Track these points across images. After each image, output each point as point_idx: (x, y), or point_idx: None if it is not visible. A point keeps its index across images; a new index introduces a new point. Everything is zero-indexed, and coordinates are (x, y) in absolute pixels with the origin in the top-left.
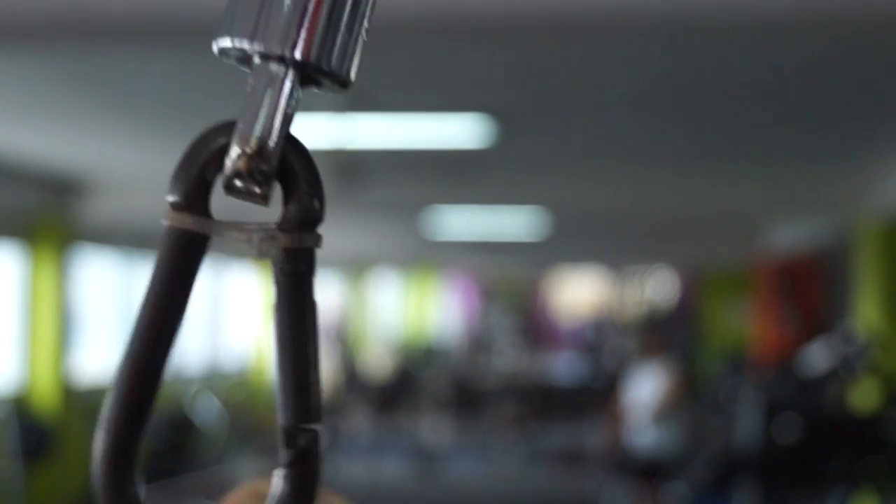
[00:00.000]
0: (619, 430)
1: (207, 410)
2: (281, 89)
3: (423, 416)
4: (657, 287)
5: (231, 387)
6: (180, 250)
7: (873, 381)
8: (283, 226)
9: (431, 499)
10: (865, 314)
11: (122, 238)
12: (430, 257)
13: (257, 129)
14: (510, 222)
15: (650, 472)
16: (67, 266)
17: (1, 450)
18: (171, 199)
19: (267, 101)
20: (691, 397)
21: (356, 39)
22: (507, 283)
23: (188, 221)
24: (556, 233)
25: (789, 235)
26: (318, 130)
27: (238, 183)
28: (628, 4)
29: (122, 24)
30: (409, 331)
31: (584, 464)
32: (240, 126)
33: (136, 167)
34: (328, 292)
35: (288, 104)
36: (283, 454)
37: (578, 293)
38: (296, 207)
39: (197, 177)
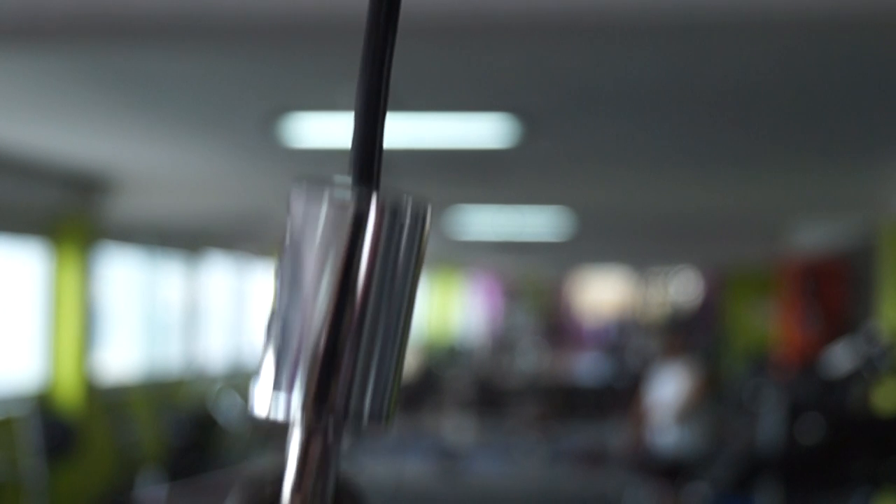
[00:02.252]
0: (641, 430)
1: (230, 409)
2: (324, 445)
3: (446, 415)
4: (681, 287)
5: None
6: None
7: None
8: None
9: (454, 498)
10: (889, 315)
11: (145, 236)
12: (454, 257)
13: (306, 487)
14: (534, 222)
15: (673, 472)
16: (91, 264)
17: (24, 447)
18: None
19: (313, 457)
20: (714, 398)
21: (392, 378)
22: (531, 282)
23: None
24: (580, 233)
25: (813, 236)
26: (344, 130)
27: None
28: (654, 5)
29: (147, 21)
30: (433, 330)
31: (607, 464)
32: (288, 484)
33: (160, 165)
34: None
35: (333, 457)
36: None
37: (602, 293)
38: None
39: None
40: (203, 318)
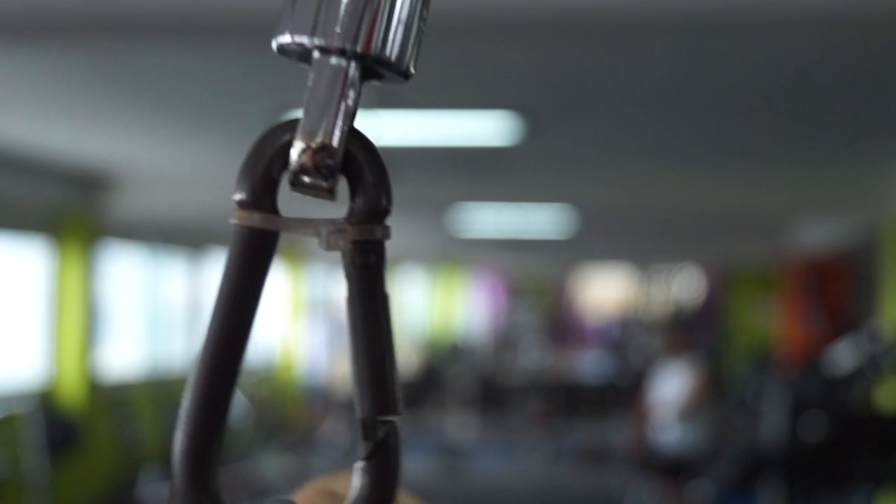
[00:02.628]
0: (644, 428)
1: (233, 406)
2: (343, 82)
3: (448, 413)
4: (683, 285)
5: (257, 383)
6: (251, 248)
7: None
8: (352, 219)
9: (456, 496)
10: (892, 313)
11: (148, 233)
12: (456, 254)
13: (321, 124)
14: (537, 220)
15: (675, 469)
16: (94, 261)
17: (27, 445)
18: (238, 197)
19: (329, 95)
20: (717, 395)
21: (417, 30)
22: (534, 280)
23: (257, 219)
24: (583, 230)
25: (816, 234)
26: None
27: (304, 178)
28: (657, 2)
29: (150, 19)
30: (436, 328)
31: (610, 461)
32: (303, 122)
33: (162, 163)
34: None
35: (351, 97)
36: (362, 447)
37: (605, 291)
38: (363, 200)
39: (263, 174)
40: (205, 316)
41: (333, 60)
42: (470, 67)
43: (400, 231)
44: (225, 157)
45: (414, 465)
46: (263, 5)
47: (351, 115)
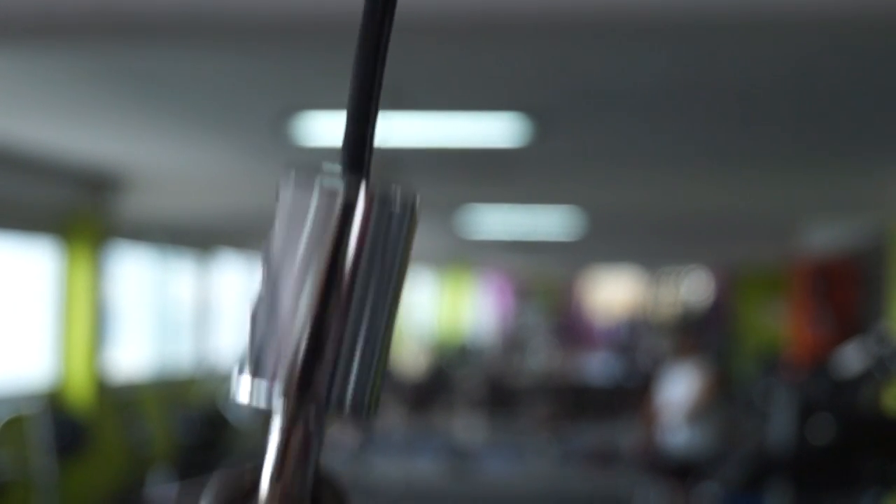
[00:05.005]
0: (652, 430)
1: (241, 407)
2: (306, 433)
3: (456, 414)
4: (692, 287)
5: None
6: None
7: None
8: None
9: (464, 498)
10: None
11: (156, 234)
12: (465, 256)
13: (285, 475)
14: (545, 222)
15: (683, 472)
16: (103, 262)
17: (35, 445)
18: None
19: (293, 446)
20: (725, 397)
21: (375, 369)
22: (542, 282)
23: None
24: (591, 232)
25: (825, 236)
26: None
27: None
28: (666, 4)
29: (159, 20)
30: (444, 329)
31: (618, 463)
32: (268, 472)
33: (171, 164)
34: None
35: (315, 446)
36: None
37: (613, 293)
38: None
39: None
40: (214, 317)
41: (293, 408)
42: (479, 69)
43: None
44: (233, 159)
45: (422, 466)
46: (273, 9)
47: (315, 463)
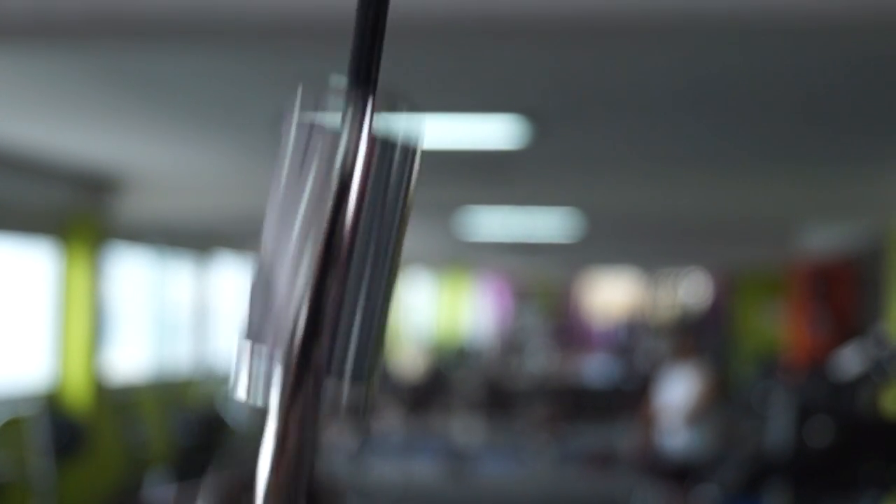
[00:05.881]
0: (650, 433)
1: (239, 409)
2: (305, 405)
3: (454, 416)
4: (690, 289)
5: None
6: None
7: None
8: None
9: (462, 499)
10: None
11: (155, 236)
12: (463, 258)
13: (289, 446)
14: (544, 224)
15: (682, 474)
16: (101, 263)
17: (33, 447)
18: None
19: (294, 418)
20: (723, 400)
21: (374, 336)
22: (541, 284)
23: None
24: (590, 234)
25: (823, 239)
26: None
27: None
28: (665, 7)
29: (157, 22)
30: (442, 331)
31: (616, 466)
32: (270, 444)
33: (170, 165)
34: None
35: (315, 418)
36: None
37: (611, 295)
38: None
39: None
40: (212, 319)
41: (295, 393)
42: (477, 71)
43: (407, 234)
44: (232, 160)
45: (420, 468)
46: (272, 10)
47: (317, 437)
